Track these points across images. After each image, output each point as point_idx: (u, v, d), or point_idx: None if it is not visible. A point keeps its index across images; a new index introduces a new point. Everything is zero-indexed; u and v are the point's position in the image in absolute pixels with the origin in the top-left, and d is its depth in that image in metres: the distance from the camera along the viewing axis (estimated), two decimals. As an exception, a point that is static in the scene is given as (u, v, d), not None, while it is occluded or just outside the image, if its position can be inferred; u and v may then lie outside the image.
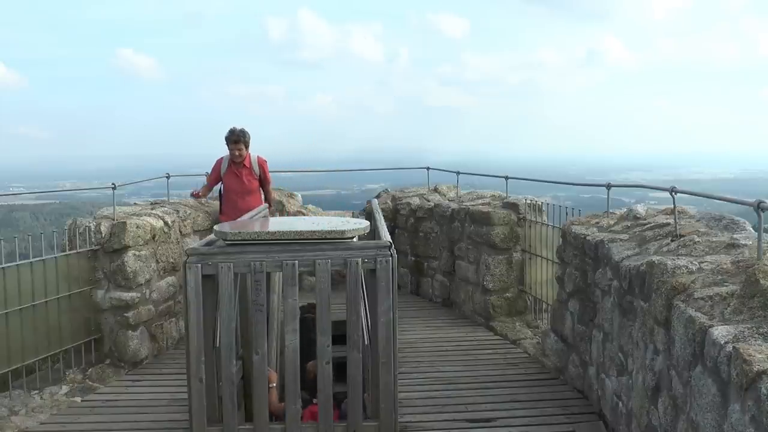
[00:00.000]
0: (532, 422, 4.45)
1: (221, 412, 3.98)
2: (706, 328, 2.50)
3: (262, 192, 7.32)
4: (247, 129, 7.07)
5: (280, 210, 9.78)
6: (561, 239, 5.37)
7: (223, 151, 7.15)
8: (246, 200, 6.93)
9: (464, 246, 7.51)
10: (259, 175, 7.14)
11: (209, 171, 7.36)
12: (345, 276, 3.94)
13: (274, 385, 4.27)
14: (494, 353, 6.03)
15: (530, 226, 6.87)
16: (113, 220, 5.80)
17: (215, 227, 4.31)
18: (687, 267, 3.10)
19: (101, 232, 5.66)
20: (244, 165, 7.03)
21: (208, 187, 7.37)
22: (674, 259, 3.23)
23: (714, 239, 3.48)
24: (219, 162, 7.14)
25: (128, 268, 5.67)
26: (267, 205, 7.17)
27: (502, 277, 6.98)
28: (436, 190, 9.65)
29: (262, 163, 7.16)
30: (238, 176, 7.02)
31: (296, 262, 3.88)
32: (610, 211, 5.12)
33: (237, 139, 6.92)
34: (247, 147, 7.00)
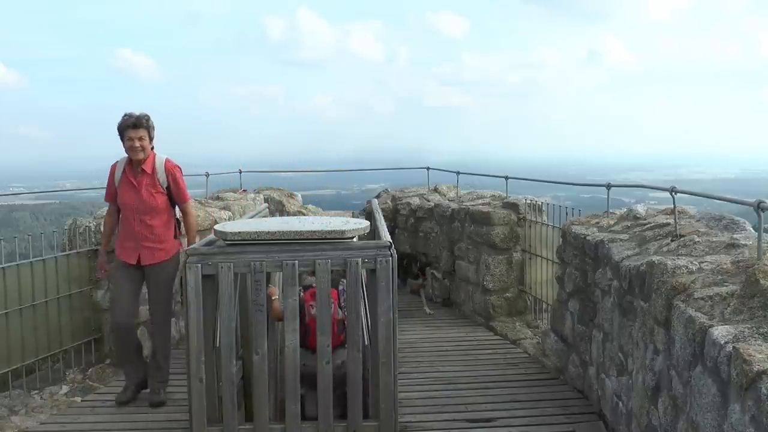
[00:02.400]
0: (532, 422, 4.45)
1: (221, 412, 3.98)
2: (706, 328, 2.50)
3: (175, 213, 4.98)
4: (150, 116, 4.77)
5: (280, 210, 9.79)
6: (561, 239, 5.37)
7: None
8: (145, 223, 4.74)
9: (464, 246, 7.51)
10: (168, 187, 4.80)
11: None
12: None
13: (276, 297, 4.42)
14: (494, 353, 6.03)
15: (530, 226, 6.88)
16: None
17: (215, 227, 4.32)
18: (687, 267, 3.10)
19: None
20: (144, 170, 4.73)
21: (110, 217, 4.98)
22: (674, 259, 3.23)
23: (714, 239, 3.48)
24: (113, 168, 4.85)
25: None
26: (190, 229, 4.98)
27: (502, 277, 6.98)
28: (436, 190, 9.66)
29: (171, 169, 4.81)
30: (135, 187, 4.73)
31: (296, 262, 3.88)
32: (610, 211, 5.12)
33: (136, 123, 4.64)
34: (151, 139, 4.75)
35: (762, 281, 2.57)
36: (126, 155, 4.77)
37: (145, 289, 4.99)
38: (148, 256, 4.76)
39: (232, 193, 9.22)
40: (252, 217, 5.88)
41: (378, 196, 9.98)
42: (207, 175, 9.18)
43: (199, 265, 3.85)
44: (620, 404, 3.90)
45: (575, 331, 4.99)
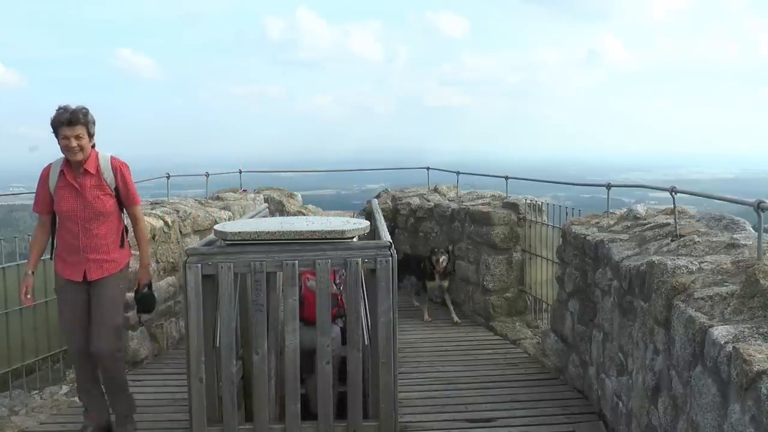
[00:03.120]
0: (532, 422, 4.45)
1: (221, 412, 3.98)
2: (706, 328, 2.50)
3: (123, 218, 4.30)
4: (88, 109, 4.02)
5: (280, 210, 9.80)
6: (561, 239, 5.37)
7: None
8: (91, 232, 4.05)
9: (464, 246, 7.51)
10: (116, 188, 4.14)
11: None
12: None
13: None
14: (494, 353, 6.03)
15: (530, 226, 6.88)
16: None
17: (215, 227, 4.31)
18: (687, 267, 3.10)
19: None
20: (87, 170, 4.05)
21: (44, 232, 4.21)
22: (674, 259, 3.24)
23: (714, 239, 3.48)
24: (46, 171, 4.13)
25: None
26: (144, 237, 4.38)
27: (502, 277, 6.98)
28: (436, 190, 9.66)
29: (118, 167, 4.15)
30: (78, 191, 4.03)
31: (296, 262, 3.88)
32: (610, 211, 5.13)
33: (72, 119, 3.92)
34: (91, 136, 4.05)
35: (762, 281, 2.57)
36: (62, 155, 4.07)
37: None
38: (95, 270, 4.07)
39: (232, 193, 9.22)
40: (252, 217, 5.88)
41: (378, 196, 9.98)
42: (207, 175, 9.19)
43: (199, 265, 3.85)
44: (620, 404, 3.90)
45: (575, 331, 4.99)
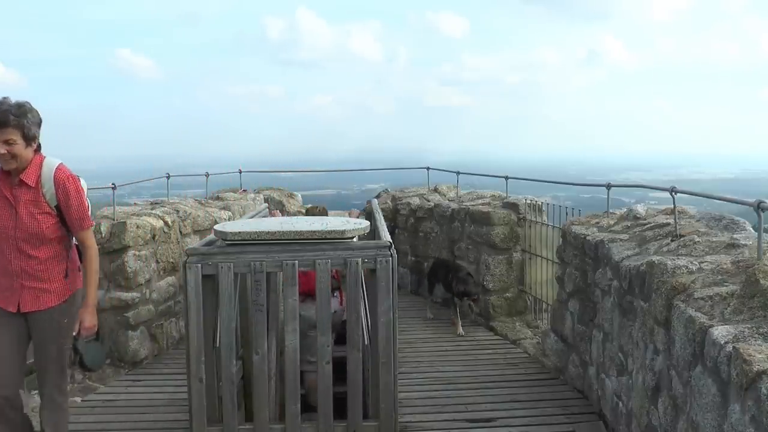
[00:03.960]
0: (532, 422, 4.45)
1: (221, 412, 3.98)
2: (706, 328, 2.50)
3: (71, 240, 3.50)
4: (31, 106, 3.25)
5: (280, 210, 9.80)
6: (561, 239, 5.37)
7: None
8: (25, 254, 3.30)
9: (464, 246, 7.51)
10: (57, 206, 3.34)
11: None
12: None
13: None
14: (494, 353, 6.04)
15: (530, 226, 6.88)
16: (113, 220, 5.80)
17: (215, 227, 4.31)
18: (687, 267, 3.10)
19: (101, 233, 5.65)
20: (23, 182, 3.29)
21: None
22: (674, 259, 3.24)
23: (714, 239, 3.48)
24: None
25: (128, 268, 5.67)
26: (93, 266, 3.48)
27: (502, 277, 6.98)
28: (436, 190, 9.66)
29: (61, 181, 3.32)
30: (10, 204, 3.30)
31: (296, 262, 3.88)
32: (610, 211, 5.13)
33: (1, 120, 3.15)
34: (29, 140, 3.24)
35: (762, 281, 2.57)
36: None
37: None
38: (30, 300, 3.34)
39: (232, 193, 9.22)
40: (252, 217, 5.88)
41: (378, 196, 9.98)
42: (207, 175, 9.19)
43: (199, 265, 3.85)
44: (620, 404, 3.90)
45: (575, 331, 4.99)
